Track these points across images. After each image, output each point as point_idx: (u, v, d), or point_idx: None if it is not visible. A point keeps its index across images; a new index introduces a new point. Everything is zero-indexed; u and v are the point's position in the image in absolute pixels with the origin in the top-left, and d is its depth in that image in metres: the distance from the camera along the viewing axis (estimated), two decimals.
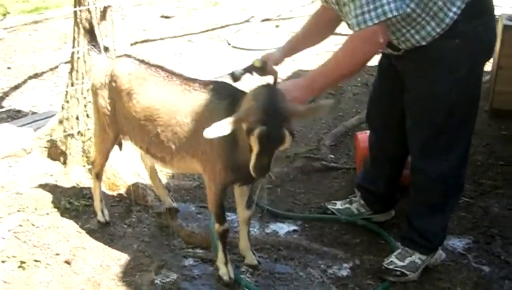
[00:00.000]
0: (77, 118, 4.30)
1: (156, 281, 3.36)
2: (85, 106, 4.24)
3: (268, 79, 3.29)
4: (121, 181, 4.22)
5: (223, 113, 2.88)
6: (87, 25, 3.68)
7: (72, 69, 4.31)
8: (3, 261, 3.50)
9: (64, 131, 4.33)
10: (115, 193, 4.17)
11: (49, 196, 4.09)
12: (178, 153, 3.22)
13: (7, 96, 6.22)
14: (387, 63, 3.34)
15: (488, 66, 5.93)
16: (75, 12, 4.15)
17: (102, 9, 4.07)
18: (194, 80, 3.22)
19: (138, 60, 3.44)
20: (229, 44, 7.68)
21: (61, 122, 4.39)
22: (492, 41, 3.08)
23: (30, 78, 6.65)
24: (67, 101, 4.36)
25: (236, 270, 3.41)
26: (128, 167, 4.28)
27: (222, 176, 3.10)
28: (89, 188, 4.02)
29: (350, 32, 2.84)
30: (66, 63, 6.05)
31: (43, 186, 4.17)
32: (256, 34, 8.08)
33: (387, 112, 3.43)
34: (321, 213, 3.98)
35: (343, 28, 3.22)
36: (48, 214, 3.91)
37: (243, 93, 3.01)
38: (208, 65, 6.81)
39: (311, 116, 2.93)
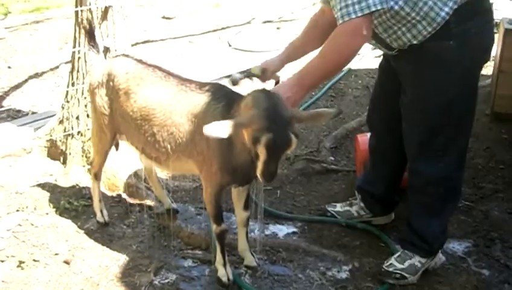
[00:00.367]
0: (77, 118, 4.30)
1: (155, 281, 3.35)
2: (85, 106, 4.24)
3: (269, 84, 3.28)
4: (120, 182, 4.22)
5: (219, 115, 2.91)
6: (86, 25, 3.68)
7: (72, 69, 4.32)
8: (2, 261, 3.50)
9: (64, 131, 4.33)
10: (114, 194, 4.17)
11: (48, 196, 4.08)
12: (174, 154, 3.21)
13: (7, 95, 6.22)
14: (387, 65, 3.35)
15: (489, 70, 5.94)
16: (76, 12, 4.15)
17: (103, 10, 4.07)
18: (190, 81, 3.22)
19: (136, 59, 3.44)
20: (230, 45, 7.68)
21: (61, 122, 4.40)
22: (489, 43, 3.08)
23: (31, 77, 6.65)
24: (68, 101, 4.36)
25: (235, 271, 3.40)
26: (128, 168, 4.27)
27: (218, 177, 3.10)
28: (89, 188, 4.01)
29: None
30: (66, 63, 6.06)
31: (43, 186, 4.17)
32: (257, 36, 8.08)
33: (387, 114, 3.44)
34: (321, 215, 3.97)
35: None
36: (47, 213, 3.91)
37: (239, 95, 3.02)
38: (208, 66, 6.81)
39: (312, 122, 2.94)
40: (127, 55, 3.58)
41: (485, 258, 3.56)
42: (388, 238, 3.69)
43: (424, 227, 3.34)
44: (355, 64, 6.56)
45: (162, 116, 3.16)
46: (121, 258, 3.55)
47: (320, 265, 3.51)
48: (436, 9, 2.79)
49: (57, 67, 6.75)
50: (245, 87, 3.26)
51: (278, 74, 3.34)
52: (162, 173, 4.37)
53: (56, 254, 3.57)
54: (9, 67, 6.82)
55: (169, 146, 3.19)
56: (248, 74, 3.31)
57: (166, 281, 3.37)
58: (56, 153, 4.45)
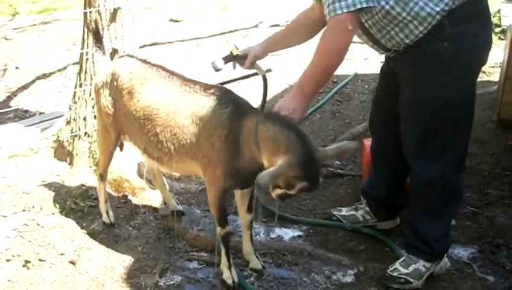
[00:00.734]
0: (84, 119, 4.31)
1: (160, 283, 3.36)
2: (93, 107, 4.25)
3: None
4: (126, 183, 4.22)
5: (226, 120, 2.96)
6: (93, 27, 3.69)
7: (80, 70, 4.33)
8: (7, 260, 3.51)
9: (71, 132, 4.35)
10: (120, 195, 4.17)
11: (54, 196, 4.10)
12: (177, 155, 3.22)
13: (15, 96, 6.25)
14: (388, 68, 3.39)
15: (496, 77, 5.94)
16: (85, 13, 4.16)
17: (112, 11, 4.08)
18: (194, 82, 3.23)
19: (139, 59, 3.46)
20: (237, 49, 7.68)
21: (68, 122, 4.41)
22: (486, 44, 3.09)
23: (38, 78, 6.68)
24: (75, 102, 4.37)
25: (240, 274, 3.41)
26: (134, 169, 4.28)
27: (222, 180, 3.11)
28: (95, 189, 4.02)
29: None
30: (74, 64, 6.09)
31: (49, 186, 4.18)
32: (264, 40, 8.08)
33: (387, 117, 3.45)
34: (326, 219, 3.98)
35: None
36: (53, 214, 3.92)
37: (245, 102, 3.08)
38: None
39: (337, 157, 2.99)
40: (131, 56, 3.59)
41: (490, 264, 3.56)
42: (393, 243, 3.69)
43: (425, 229, 3.35)
44: (361, 69, 6.57)
45: (166, 117, 3.17)
46: (127, 259, 3.56)
47: (325, 269, 3.51)
48: (427, 9, 2.83)
49: (65, 68, 6.78)
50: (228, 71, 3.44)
51: (259, 62, 3.42)
52: (168, 176, 4.38)
53: (62, 254, 3.58)
54: (17, 67, 6.85)
55: (172, 147, 3.20)
56: (229, 57, 3.38)
57: (171, 282, 3.38)
58: (63, 153, 4.46)
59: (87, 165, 4.32)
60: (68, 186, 4.20)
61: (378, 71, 3.61)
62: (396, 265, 3.40)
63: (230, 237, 3.35)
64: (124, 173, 4.26)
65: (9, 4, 9.66)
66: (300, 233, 3.88)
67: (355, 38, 3.20)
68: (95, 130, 4.24)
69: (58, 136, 4.49)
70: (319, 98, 5.93)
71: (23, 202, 4.03)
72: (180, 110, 3.13)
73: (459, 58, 2.93)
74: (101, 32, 4.07)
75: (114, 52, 4.12)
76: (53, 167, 4.42)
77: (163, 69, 3.36)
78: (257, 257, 3.51)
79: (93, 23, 3.99)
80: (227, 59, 3.39)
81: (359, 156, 4.65)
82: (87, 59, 4.24)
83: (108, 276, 3.42)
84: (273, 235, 3.84)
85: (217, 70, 3.36)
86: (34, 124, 5.28)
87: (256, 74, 3.48)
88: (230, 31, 8.38)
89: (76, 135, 4.33)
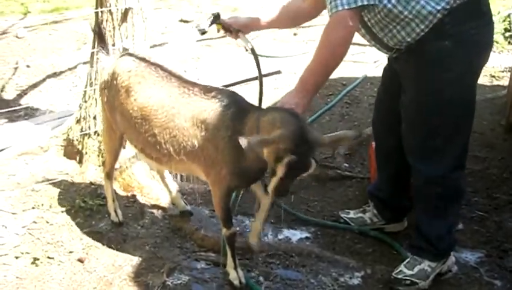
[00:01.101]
0: (94, 118, 4.33)
1: (168, 282, 3.37)
2: None
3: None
4: (135, 182, 4.24)
5: (230, 122, 2.98)
6: (96, 28, 3.71)
7: (90, 69, 4.35)
8: (16, 257, 3.54)
9: (81, 130, 4.37)
10: (129, 194, 4.19)
11: (64, 194, 4.12)
12: (176, 156, 3.22)
13: (26, 94, 6.27)
14: (390, 68, 3.43)
15: (505, 81, 5.93)
16: (96, 13, 4.18)
17: (123, 11, 4.10)
18: (192, 84, 3.23)
19: (139, 58, 3.47)
20: (247, 50, 7.69)
21: (78, 121, 4.43)
22: (488, 44, 3.11)
23: (49, 77, 6.70)
24: (86, 101, 4.39)
25: (248, 275, 3.42)
26: (143, 169, 4.30)
27: (228, 180, 3.13)
28: (104, 188, 4.04)
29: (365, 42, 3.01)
30: (84, 63, 6.11)
31: (59, 185, 4.20)
32: (274, 41, 8.09)
33: (389, 117, 3.47)
34: (334, 221, 3.99)
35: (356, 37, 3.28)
36: (62, 212, 3.94)
37: (247, 103, 3.10)
38: (225, 70, 6.84)
39: (335, 145, 2.99)
40: (131, 54, 3.60)
41: (498, 268, 3.56)
42: (400, 246, 3.69)
43: (427, 228, 3.36)
44: (371, 72, 6.56)
45: (164, 118, 3.18)
46: (135, 258, 3.57)
47: (332, 271, 3.52)
48: (428, 7, 2.86)
49: (75, 67, 6.79)
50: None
51: (248, 39, 3.52)
52: (176, 176, 4.40)
53: (70, 252, 3.60)
54: (28, 66, 6.87)
55: (171, 149, 3.21)
56: (214, 21, 3.47)
57: (178, 282, 3.39)
58: (72, 152, 4.48)
59: (97, 164, 4.33)
60: (77, 185, 4.23)
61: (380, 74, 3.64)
62: (401, 267, 3.40)
63: (235, 238, 3.35)
64: (133, 172, 4.27)
65: (21, 3, 9.69)
66: (308, 235, 3.88)
67: (364, 40, 3.24)
68: None
69: (68, 135, 4.52)
70: (328, 100, 5.93)
71: (32, 199, 4.06)
72: (179, 113, 3.14)
73: (460, 56, 2.96)
74: (112, 31, 4.11)
75: (125, 51, 4.14)
76: (62, 165, 4.44)
77: (162, 68, 3.36)
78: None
79: (99, 24, 3.98)
80: (212, 21, 3.46)
81: (367, 159, 4.65)
82: (97, 58, 4.26)
83: (116, 275, 3.44)
84: (281, 237, 3.85)
85: (203, 32, 3.42)
86: (44, 122, 5.30)
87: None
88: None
89: (86, 134, 4.35)
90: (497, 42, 7.41)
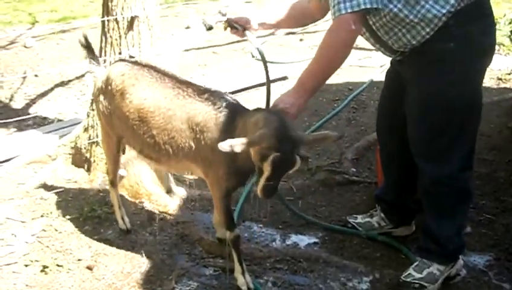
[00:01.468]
0: None
1: (176, 289, 3.38)
2: None
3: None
4: (143, 189, 4.25)
5: (222, 125, 3.06)
6: (83, 39, 3.70)
7: None
8: (26, 265, 3.55)
9: (89, 138, 4.39)
10: (137, 201, 4.20)
11: (72, 202, 4.14)
12: (175, 157, 3.29)
13: (34, 103, 6.31)
14: (393, 70, 3.45)
15: None
16: (103, 22, 4.21)
17: (129, 20, 4.13)
18: (187, 84, 3.29)
19: (132, 62, 3.56)
20: (253, 56, 7.72)
21: (86, 129, 4.45)
22: (491, 45, 3.12)
23: (57, 86, 6.75)
24: (93, 109, 4.40)
25: (256, 281, 3.42)
26: (150, 176, 4.31)
27: (225, 179, 3.18)
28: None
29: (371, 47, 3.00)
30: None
31: (67, 193, 4.23)
32: (280, 47, 8.11)
33: (393, 119, 3.48)
34: (342, 226, 3.99)
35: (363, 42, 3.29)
36: (71, 220, 3.96)
37: (240, 106, 3.16)
38: (231, 77, 6.86)
39: (317, 144, 3.03)
40: (123, 60, 3.68)
41: (506, 271, 3.54)
42: (408, 250, 3.68)
43: (435, 229, 3.36)
44: (377, 76, 6.57)
45: (162, 120, 3.24)
46: (143, 265, 3.58)
47: (340, 276, 3.51)
48: (433, 11, 2.88)
49: (83, 76, 6.83)
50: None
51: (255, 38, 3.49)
52: (186, 182, 4.42)
53: (79, 260, 3.62)
54: (36, 75, 6.92)
55: (170, 150, 3.27)
56: (220, 18, 3.50)
57: (187, 288, 3.39)
58: (80, 160, 4.50)
59: (105, 172, 4.35)
60: (86, 193, 4.25)
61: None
62: (410, 270, 3.40)
63: (240, 241, 3.38)
64: (141, 179, 4.29)
65: (29, 13, 9.77)
66: (316, 240, 3.88)
67: (370, 45, 3.26)
68: None
69: (76, 143, 4.54)
70: (335, 105, 5.94)
71: (41, 208, 4.08)
72: (175, 115, 3.20)
73: (463, 58, 2.97)
74: (118, 40, 4.16)
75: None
76: (71, 173, 4.46)
77: (155, 69, 3.42)
78: None
79: (81, 37, 3.75)
80: (219, 18, 3.50)
81: (375, 163, 4.65)
82: (105, 67, 4.28)
83: (125, 282, 3.45)
84: (288, 242, 3.86)
85: (209, 28, 3.44)
86: (53, 131, 5.33)
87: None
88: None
89: (94, 142, 4.38)
90: (503, 45, 7.40)
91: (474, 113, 3.17)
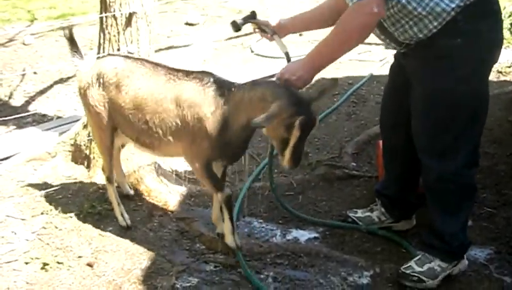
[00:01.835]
0: None
1: (177, 285, 3.38)
2: None
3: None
4: (143, 186, 4.25)
5: (211, 99, 3.22)
6: (67, 33, 3.71)
7: None
8: (26, 263, 3.55)
9: (89, 135, 4.38)
10: (137, 197, 4.19)
11: (72, 199, 4.14)
12: (164, 138, 3.39)
13: (33, 100, 6.31)
14: (398, 64, 3.42)
15: None
16: (101, 18, 4.20)
17: (127, 16, 4.11)
18: (177, 70, 3.40)
19: (123, 56, 3.66)
20: (252, 52, 7.71)
21: (85, 126, 4.44)
22: (498, 41, 3.09)
23: (56, 83, 6.75)
24: None
25: (256, 276, 3.43)
26: (150, 172, 4.31)
27: (208, 152, 3.29)
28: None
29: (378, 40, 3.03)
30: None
31: (67, 190, 4.22)
32: None
33: (397, 114, 3.47)
34: (342, 221, 3.98)
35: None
36: (71, 217, 3.95)
37: (227, 81, 3.29)
38: (231, 72, 6.85)
39: (323, 96, 3.08)
40: (113, 54, 3.78)
41: (507, 265, 3.53)
42: (409, 244, 3.68)
43: (441, 225, 3.34)
44: (377, 70, 6.56)
45: (154, 105, 3.35)
46: (144, 262, 3.58)
47: (341, 270, 3.51)
48: (442, 5, 2.84)
49: None
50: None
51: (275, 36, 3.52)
52: (186, 179, 4.41)
53: (79, 257, 3.61)
54: (35, 72, 6.92)
55: (161, 131, 3.38)
56: (249, 19, 3.51)
57: (188, 284, 3.39)
58: (80, 157, 4.50)
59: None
60: (85, 190, 4.24)
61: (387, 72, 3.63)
62: (411, 263, 3.39)
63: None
64: (141, 176, 4.28)
65: (28, 10, 9.75)
66: (316, 235, 3.88)
67: (371, 39, 3.22)
68: None
69: (76, 140, 4.53)
70: (335, 99, 5.92)
71: (41, 205, 4.08)
72: (166, 97, 3.32)
73: (471, 54, 2.94)
74: (116, 36, 4.15)
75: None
76: (70, 170, 4.46)
77: (147, 61, 3.55)
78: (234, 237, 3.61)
79: (66, 30, 3.79)
80: (247, 19, 3.50)
81: (375, 158, 4.64)
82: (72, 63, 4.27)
83: (125, 278, 3.44)
84: (289, 237, 3.85)
85: (237, 29, 3.46)
86: (52, 128, 5.34)
87: None
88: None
89: (93, 139, 4.37)
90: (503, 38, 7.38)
91: (481, 110, 3.14)
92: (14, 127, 5.51)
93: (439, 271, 3.35)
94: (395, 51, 3.36)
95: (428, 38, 2.96)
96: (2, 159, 4.76)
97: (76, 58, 3.70)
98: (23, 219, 3.94)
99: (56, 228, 3.85)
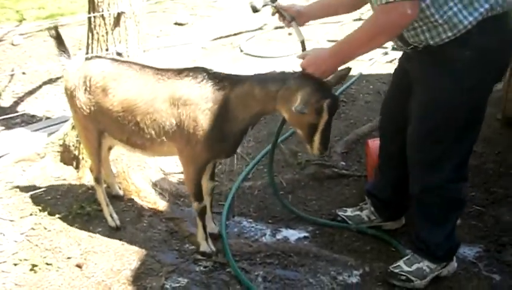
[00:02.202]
0: None
1: (166, 285, 3.37)
2: None
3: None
4: (133, 187, 4.24)
5: (209, 94, 3.19)
6: (53, 33, 3.70)
7: None
8: (15, 264, 3.54)
9: (77, 136, 4.36)
10: (126, 198, 4.18)
11: (61, 200, 4.13)
12: (158, 138, 3.38)
13: (22, 101, 6.29)
14: (401, 69, 3.38)
15: None
16: (89, 18, 4.19)
17: (116, 16, 4.10)
18: (166, 70, 3.38)
19: (110, 58, 3.62)
20: (242, 51, 7.71)
21: (74, 127, 4.42)
22: (506, 62, 3.05)
23: (44, 83, 6.73)
24: None
25: (246, 277, 3.43)
26: (139, 173, 4.30)
27: (206, 151, 3.30)
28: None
29: None
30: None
31: (56, 191, 4.21)
32: (268, 42, 8.10)
33: (397, 118, 3.43)
34: (332, 220, 3.99)
35: None
36: (59, 218, 3.94)
37: (220, 74, 3.28)
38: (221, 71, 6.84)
39: (341, 82, 3.12)
40: (100, 56, 3.74)
41: (496, 263, 3.55)
42: (398, 243, 3.69)
43: (426, 234, 3.35)
44: (366, 69, 6.57)
45: (144, 106, 3.33)
46: (133, 262, 3.57)
47: (331, 269, 3.52)
48: (460, 16, 2.77)
49: None
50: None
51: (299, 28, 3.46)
52: (175, 178, 4.41)
53: (68, 258, 3.61)
54: (23, 73, 6.89)
55: (153, 132, 3.36)
56: (268, 2, 3.43)
57: (177, 285, 3.39)
58: (69, 157, 4.48)
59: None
60: (74, 190, 4.23)
61: (383, 72, 3.63)
62: (400, 263, 3.40)
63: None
64: (130, 176, 4.28)
65: (16, 10, 9.72)
66: (306, 234, 3.88)
67: None
68: None
69: (65, 141, 4.51)
70: None
71: (30, 206, 4.06)
72: (157, 97, 3.30)
73: (477, 69, 2.88)
74: (105, 36, 4.14)
75: (118, 56, 4.14)
76: (59, 171, 4.44)
77: (134, 63, 3.52)
78: (214, 222, 3.81)
79: (52, 29, 3.83)
80: (267, 2, 3.44)
81: (364, 157, 4.65)
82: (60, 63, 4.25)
83: (114, 279, 3.44)
84: (279, 237, 3.85)
85: (255, 11, 3.45)
86: (41, 128, 5.32)
87: None
88: (235, 34, 8.41)
89: (80, 140, 4.35)
90: None
91: (473, 125, 3.09)
92: (3, 127, 5.49)
93: (427, 272, 3.36)
94: (383, 51, 3.35)
95: (438, 47, 2.90)
96: None
97: (63, 58, 3.68)
98: (11, 220, 3.93)
99: (45, 229, 3.84)
